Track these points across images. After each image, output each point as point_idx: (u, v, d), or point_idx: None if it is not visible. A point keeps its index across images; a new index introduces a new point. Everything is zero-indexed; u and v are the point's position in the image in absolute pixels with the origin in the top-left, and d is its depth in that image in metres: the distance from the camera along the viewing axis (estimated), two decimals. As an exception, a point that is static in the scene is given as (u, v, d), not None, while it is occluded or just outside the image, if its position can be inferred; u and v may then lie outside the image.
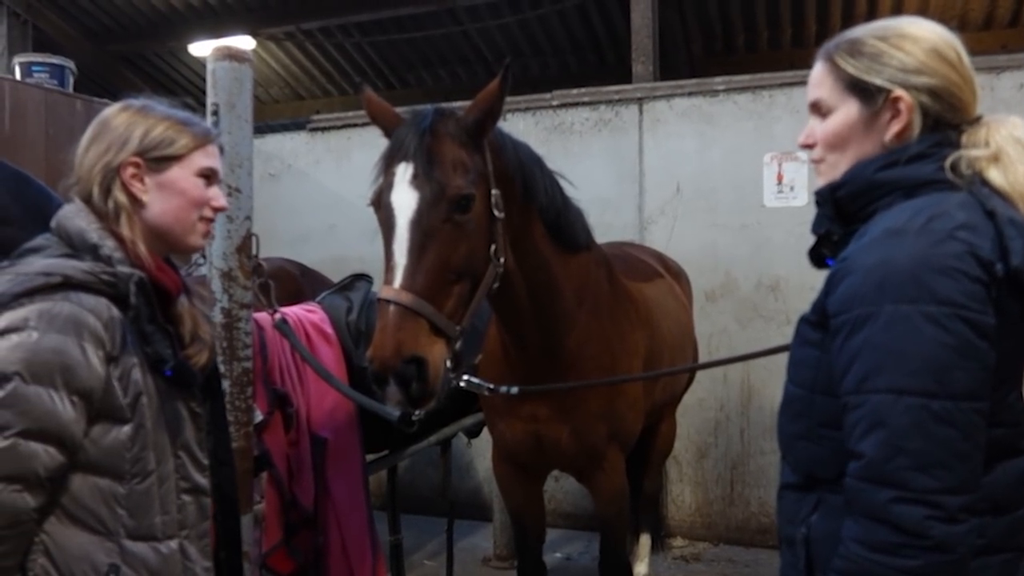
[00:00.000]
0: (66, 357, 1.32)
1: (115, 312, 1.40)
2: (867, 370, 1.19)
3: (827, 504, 1.33)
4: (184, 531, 1.52)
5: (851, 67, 1.35)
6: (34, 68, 5.56)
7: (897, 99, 1.31)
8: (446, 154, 2.07)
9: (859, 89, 1.34)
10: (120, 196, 1.49)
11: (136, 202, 1.51)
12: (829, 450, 1.31)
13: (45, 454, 1.30)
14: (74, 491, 1.38)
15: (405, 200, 2.03)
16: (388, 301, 1.94)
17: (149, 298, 1.45)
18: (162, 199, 1.53)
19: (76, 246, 1.45)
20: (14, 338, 1.30)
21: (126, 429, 1.41)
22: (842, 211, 1.36)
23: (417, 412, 2.06)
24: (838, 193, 1.35)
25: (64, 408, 1.32)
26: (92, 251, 1.43)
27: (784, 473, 1.45)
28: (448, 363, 2.02)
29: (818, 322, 1.33)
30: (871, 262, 1.22)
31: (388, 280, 1.99)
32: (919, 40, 1.33)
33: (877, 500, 1.16)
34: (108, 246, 1.44)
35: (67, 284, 1.36)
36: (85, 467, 1.38)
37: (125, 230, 1.47)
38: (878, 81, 1.32)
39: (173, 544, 1.49)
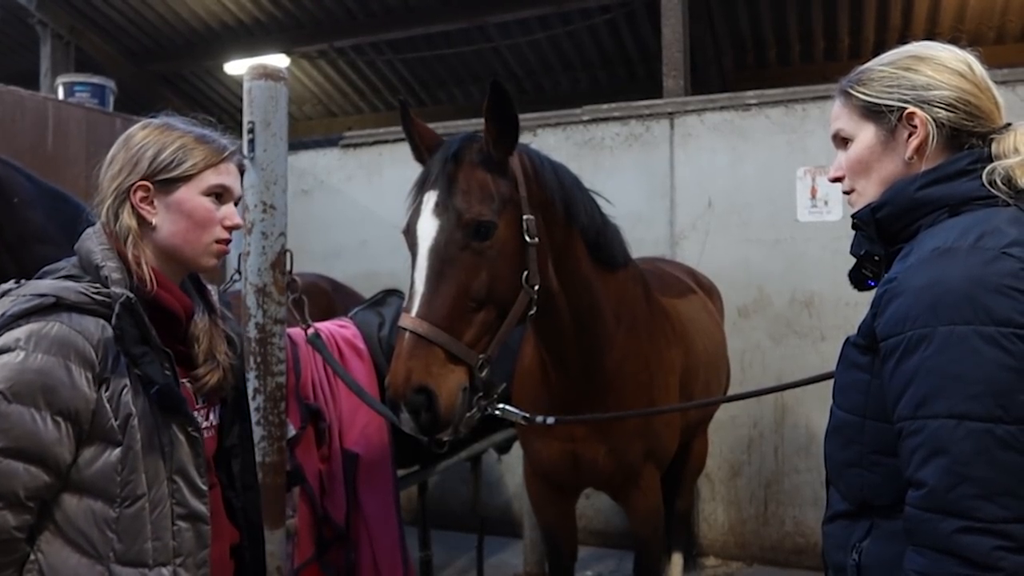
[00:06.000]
0: (49, 378, 1.32)
1: (109, 333, 1.40)
2: (924, 394, 1.16)
3: (880, 529, 1.29)
4: (179, 558, 1.48)
5: (863, 93, 1.38)
6: (76, 88, 5.72)
7: (911, 115, 1.33)
8: (466, 181, 2.08)
9: (873, 112, 1.37)
10: (127, 219, 1.50)
11: (145, 224, 1.52)
12: (883, 477, 1.27)
13: (26, 473, 1.31)
14: (68, 512, 1.38)
15: (427, 228, 2.05)
16: (403, 329, 1.96)
17: (140, 319, 1.43)
18: (170, 221, 1.53)
19: (84, 267, 1.47)
20: (2, 358, 1.32)
21: (117, 451, 1.40)
22: (884, 231, 1.35)
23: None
24: (879, 214, 1.34)
25: (46, 428, 1.32)
26: (94, 272, 1.45)
27: (833, 501, 1.41)
28: (464, 392, 2.00)
29: (867, 345, 1.30)
30: (922, 282, 1.19)
31: (407, 308, 2.00)
32: (927, 59, 1.35)
33: (942, 530, 1.12)
34: (109, 267, 1.45)
35: (60, 305, 1.38)
36: (79, 488, 1.38)
37: (130, 251, 1.49)
38: (890, 101, 1.35)
39: (165, 572, 1.45)
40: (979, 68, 1.36)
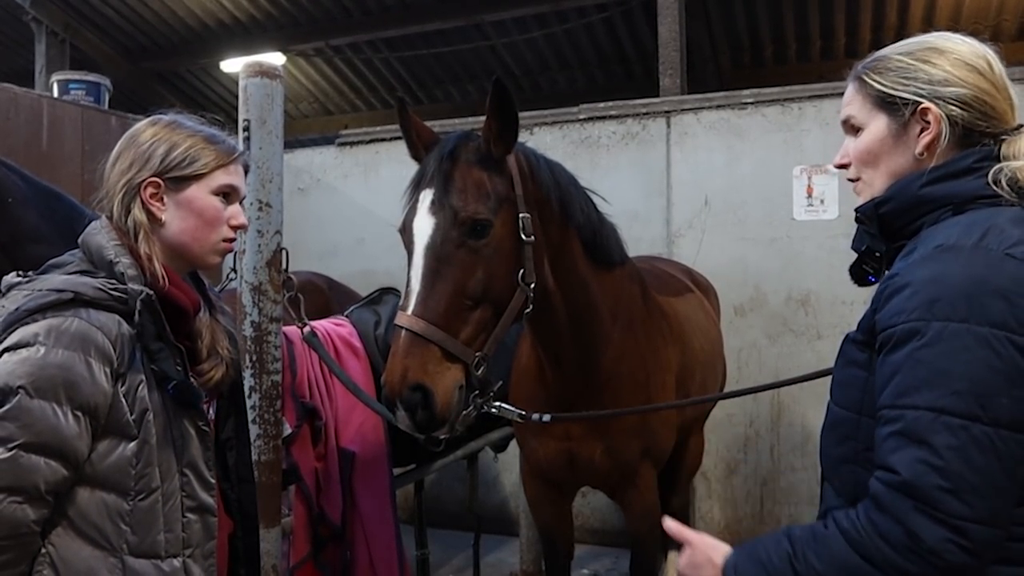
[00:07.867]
0: (71, 373, 1.33)
1: (125, 328, 1.42)
2: (908, 384, 1.15)
3: None
4: (188, 550, 1.51)
5: (878, 83, 1.35)
6: (71, 86, 5.71)
7: (925, 111, 1.31)
8: (462, 179, 2.08)
9: (887, 104, 1.34)
10: (139, 214, 1.51)
11: (155, 220, 1.53)
12: None
13: (47, 467, 1.32)
14: (81, 505, 1.39)
15: (423, 226, 2.05)
16: (400, 327, 1.96)
17: (157, 316, 1.45)
18: (180, 218, 1.55)
19: (95, 262, 1.48)
20: (23, 353, 1.33)
21: (132, 445, 1.41)
22: (887, 227, 1.34)
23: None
24: (882, 209, 1.33)
25: (67, 423, 1.33)
26: (108, 267, 1.46)
27: (827, 497, 1.40)
28: (461, 390, 2.00)
29: (865, 341, 1.29)
30: (923, 278, 1.18)
31: (403, 306, 2.01)
32: (946, 52, 1.32)
33: (903, 506, 1.12)
34: (123, 263, 1.46)
35: (78, 301, 1.39)
36: (92, 482, 1.39)
37: (142, 247, 1.50)
38: (905, 94, 1.32)
39: (176, 562, 1.48)
40: (998, 66, 1.33)
